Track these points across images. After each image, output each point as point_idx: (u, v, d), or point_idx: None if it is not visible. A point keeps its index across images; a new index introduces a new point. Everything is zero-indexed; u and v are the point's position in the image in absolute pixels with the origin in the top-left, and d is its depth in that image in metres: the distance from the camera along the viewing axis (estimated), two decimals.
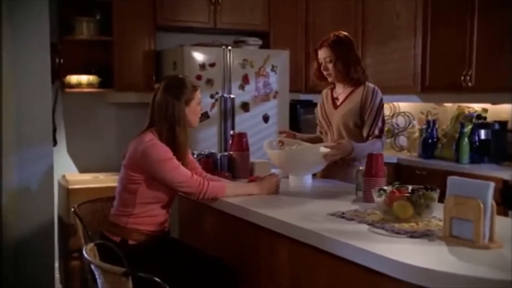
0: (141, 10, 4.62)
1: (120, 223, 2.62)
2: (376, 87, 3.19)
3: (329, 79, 3.25)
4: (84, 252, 2.10)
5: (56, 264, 4.32)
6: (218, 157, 3.19)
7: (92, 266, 2.07)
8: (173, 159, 2.59)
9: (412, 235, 1.94)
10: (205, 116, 4.39)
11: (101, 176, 4.48)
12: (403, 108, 5.40)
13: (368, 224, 2.11)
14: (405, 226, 2.05)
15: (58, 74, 4.36)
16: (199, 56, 4.44)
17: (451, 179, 1.91)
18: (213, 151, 3.32)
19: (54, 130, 4.39)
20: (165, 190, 2.64)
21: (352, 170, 2.90)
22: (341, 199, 2.64)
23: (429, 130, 4.72)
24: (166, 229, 2.77)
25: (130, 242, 2.60)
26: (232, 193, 2.69)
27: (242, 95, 4.60)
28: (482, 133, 4.39)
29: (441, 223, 1.98)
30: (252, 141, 3.46)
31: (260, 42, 4.98)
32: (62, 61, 4.41)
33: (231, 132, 3.53)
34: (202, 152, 3.24)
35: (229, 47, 4.57)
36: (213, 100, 4.48)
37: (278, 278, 2.37)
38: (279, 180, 2.81)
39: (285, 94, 4.81)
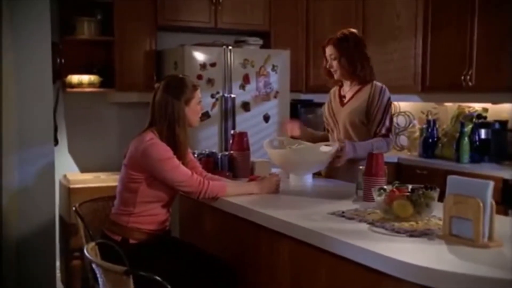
0: (142, 10, 4.62)
1: (121, 222, 2.63)
2: (384, 86, 3.18)
3: (335, 76, 3.25)
4: (85, 251, 2.10)
5: (57, 264, 4.33)
6: (219, 157, 3.20)
7: (93, 265, 2.08)
8: (173, 158, 2.60)
9: (412, 234, 1.94)
10: (205, 115, 4.39)
11: (102, 175, 4.49)
12: (404, 108, 5.40)
13: (368, 223, 2.11)
14: (405, 225, 2.05)
15: (59, 74, 4.37)
16: (200, 56, 4.44)
17: (450, 178, 1.91)
18: (213, 150, 3.33)
19: (55, 130, 4.40)
20: (166, 190, 2.65)
21: (357, 169, 2.90)
22: (341, 198, 2.64)
23: (429, 130, 4.72)
24: (167, 228, 2.78)
25: (131, 241, 2.60)
26: (233, 192, 2.70)
27: (242, 94, 4.60)
28: (482, 133, 4.40)
29: (441, 222, 1.98)
30: (253, 141, 3.47)
31: (260, 42, 4.98)
32: (63, 61, 4.41)
33: (232, 131, 3.54)
34: (203, 152, 3.25)
35: (230, 47, 4.57)
36: (213, 100, 4.49)
37: (278, 277, 2.37)
38: (279, 180, 2.81)
39: (286, 94, 4.81)
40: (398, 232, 1.97)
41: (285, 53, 4.81)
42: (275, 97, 4.74)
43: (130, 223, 2.62)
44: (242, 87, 4.60)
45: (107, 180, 4.25)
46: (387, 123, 3.13)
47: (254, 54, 4.68)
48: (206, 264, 2.64)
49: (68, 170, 4.69)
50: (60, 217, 4.40)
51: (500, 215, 2.03)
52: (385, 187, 2.25)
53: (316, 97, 5.35)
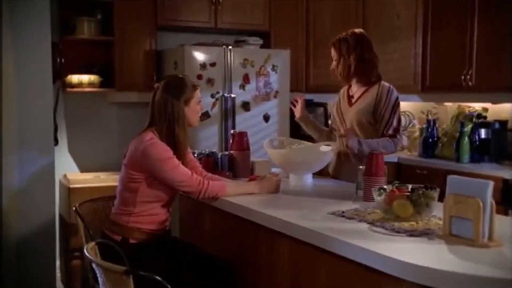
0: (142, 10, 4.62)
1: (121, 222, 2.63)
2: (391, 86, 3.18)
3: (339, 77, 3.25)
4: (85, 251, 2.11)
5: (57, 263, 4.33)
6: (219, 157, 3.20)
7: (93, 265, 2.08)
8: (173, 158, 2.60)
9: (412, 234, 1.94)
10: (205, 115, 4.39)
11: (102, 175, 4.49)
12: (404, 108, 5.39)
13: (368, 223, 2.12)
14: (405, 225, 2.05)
15: (59, 74, 4.37)
16: (199, 56, 4.44)
17: (450, 178, 1.91)
18: (213, 150, 3.33)
19: (55, 130, 4.40)
20: (166, 189, 2.65)
21: None
22: (341, 198, 2.64)
23: (429, 130, 4.72)
24: (167, 228, 2.78)
25: (131, 241, 2.60)
26: (233, 192, 2.70)
27: (242, 94, 4.60)
28: (483, 132, 4.40)
29: (440, 222, 1.99)
30: (253, 141, 3.47)
31: (260, 41, 4.98)
32: (63, 60, 4.41)
33: (232, 131, 3.53)
34: (203, 152, 3.25)
35: (230, 47, 4.57)
36: (213, 100, 4.49)
37: (278, 276, 2.37)
38: (279, 180, 2.81)
39: (286, 94, 4.81)
40: (398, 232, 1.97)
41: (285, 53, 4.81)
42: (275, 97, 4.74)
43: (130, 223, 2.62)
44: (242, 87, 4.60)
45: (107, 180, 4.25)
46: (395, 123, 3.12)
47: (254, 54, 4.68)
48: (206, 264, 2.64)
49: (68, 170, 4.69)
50: (60, 217, 4.40)
51: (500, 215, 2.03)
52: (385, 187, 2.25)
53: (316, 97, 5.36)
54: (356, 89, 3.25)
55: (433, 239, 1.88)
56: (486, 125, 4.43)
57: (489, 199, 1.80)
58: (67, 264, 4.17)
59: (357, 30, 3.25)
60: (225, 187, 2.70)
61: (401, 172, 4.65)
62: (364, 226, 2.09)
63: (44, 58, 3.89)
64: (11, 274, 3.78)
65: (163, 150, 2.59)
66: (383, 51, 5.08)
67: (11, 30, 3.72)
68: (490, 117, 4.51)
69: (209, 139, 4.45)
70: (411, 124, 5.22)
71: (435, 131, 4.71)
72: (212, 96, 4.48)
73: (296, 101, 3.44)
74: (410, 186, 2.21)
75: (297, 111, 3.42)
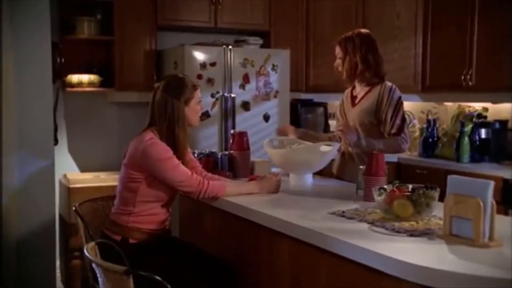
0: (142, 9, 4.62)
1: (121, 221, 2.63)
2: (394, 86, 3.17)
3: (343, 76, 3.25)
4: (85, 251, 2.11)
5: (57, 263, 4.32)
6: (219, 156, 3.20)
7: (93, 265, 2.08)
8: (173, 158, 2.60)
9: (412, 234, 1.94)
10: (205, 115, 4.39)
11: (102, 175, 4.48)
12: (404, 108, 5.39)
13: (368, 223, 2.11)
14: (405, 225, 2.05)
15: (59, 74, 4.37)
16: (199, 56, 4.44)
17: (451, 178, 1.91)
18: (213, 150, 3.33)
19: (55, 129, 4.39)
20: (165, 189, 2.64)
21: None
22: (341, 198, 2.64)
23: (429, 129, 4.72)
24: (166, 228, 2.78)
25: (131, 240, 2.60)
26: (232, 192, 2.70)
27: (242, 94, 4.60)
28: (483, 132, 4.40)
29: (441, 222, 1.98)
30: (253, 140, 3.47)
31: (260, 41, 4.98)
32: (63, 60, 4.41)
33: (232, 131, 3.53)
34: (203, 151, 3.25)
35: (230, 47, 4.57)
36: (213, 100, 4.49)
37: (278, 276, 2.37)
38: (279, 180, 2.81)
39: (286, 93, 4.81)
40: (398, 232, 1.97)
41: (285, 52, 4.81)
42: (275, 96, 4.74)
43: (130, 222, 2.62)
44: (242, 86, 4.60)
45: (107, 179, 4.25)
46: (398, 122, 3.10)
47: (254, 54, 4.68)
48: (206, 264, 2.64)
49: (68, 169, 4.69)
50: (60, 217, 4.40)
51: (500, 215, 2.03)
52: (385, 186, 2.25)
53: (316, 97, 5.36)
54: (359, 89, 3.25)
55: (433, 239, 1.88)
56: (486, 125, 4.42)
57: (490, 199, 1.80)
58: (67, 264, 4.17)
59: (363, 30, 3.26)
60: (225, 187, 2.70)
61: (401, 172, 4.65)
62: (364, 226, 2.09)
63: (44, 58, 3.89)
64: (11, 274, 3.78)
65: (163, 150, 2.59)
66: (383, 51, 5.03)
67: (11, 30, 3.72)
68: (490, 117, 4.50)
69: (209, 139, 4.45)
70: (411, 124, 5.21)
71: (435, 131, 4.71)
72: (212, 96, 4.48)
73: (283, 131, 3.40)
74: (410, 186, 2.21)
75: (292, 135, 3.36)
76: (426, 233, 1.94)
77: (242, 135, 3.24)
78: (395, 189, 2.19)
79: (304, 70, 5.25)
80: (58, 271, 4.39)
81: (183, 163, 2.65)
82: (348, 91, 3.36)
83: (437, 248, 1.81)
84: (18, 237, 3.81)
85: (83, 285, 4.03)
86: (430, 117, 4.91)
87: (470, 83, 4.51)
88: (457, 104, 4.82)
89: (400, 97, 3.15)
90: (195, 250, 2.75)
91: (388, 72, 5.02)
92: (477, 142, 4.36)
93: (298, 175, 3.07)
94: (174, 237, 2.99)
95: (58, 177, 4.40)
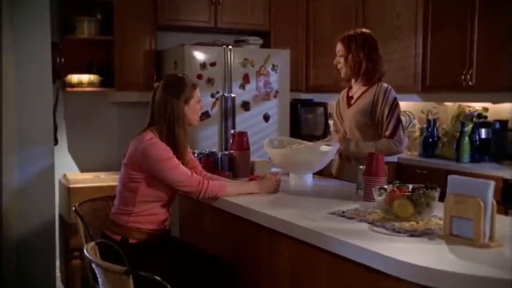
0: (142, 9, 4.62)
1: (121, 221, 2.63)
2: (389, 86, 3.16)
3: (342, 74, 3.24)
4: (85, 251, 2.10)
5: (57, 263, 4.32)
6: (219, 156, 3.20)
7: (93, 265, 2.07)
8: (173, 158, 2.59)
9: (413, 234, 1.94)
10: (205, 115, 4.39)
11: (102, 175, 4.48)
12: (404, 108, 5.38)
13: (369, 223, 2.11)
14: (406, 225, 2.05)
15: (59, 74, 4.36)
16: (199, 56, 4.44)
17: (451, 178, 1.91)
18: (213, 150, 3.33)
19: (55, 129, 4.39)
20: (165, 189, 2.64)
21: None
22: (341, 198, 2.64)
23: (429, 129, 4.72)
24: (166, 228, 2.77)
25: (131, 240, 2.60)
26: (232, 192, 2.70)
27: (242, 94, 4.60)
28: (483, 132, 4.40)
29: (441, 222, 1.98)
30: (253, 140, 3.47)
31: (260, 41, 4.98)
32: (63, 60, 4.41)
33: (232, 131, 3.53)
34: (203, 151, 3.25)
35: (230, 47, 4.57)
36: (213, 99, 4.48)
37: (278, 276, 2.37)
38: (279, 179, 2.81)
39: (286, 93, 4.81)
40: (398, 232, 1.97)
41: (285, 52, 4.81)
42: (275, 96, 4.74)
43: (130, 222, 2.62)
44: (242, 86, 4.60)
45: (107, 179, 4.25)
46: (392, 123, 3.09)
47: (254, 54, 4.68)
48: (206, 264, 2.64)
49: (67, 169, 4.69)
50: (60, 217, 4.40)
51: (500, 215, 2.03)
52: (385, 186, 2.25)
53: (316, 97, 5.35)
54: (355, 90, 3.25)
55: (433, 239, 1.88)
56: (487, 125, 4.42)
57: (490, 199, 1.80)
58: (67, 264, 4.17)
59: (365, 30, 3.27)
60: (225, 187, 2.70)
61: (401, 172, 4.65)
62: (364, 226, 2.09)
63: (44, 58, 3.89)
64: (11, 274, 3.78)
65: (163, 150, 2.58)
66: (383, 51, 5.03)
67: (11, 30, 3.72)
68: (490, 117, 4.50)
69: (209, 139, 4.45)
70: (411, 124, 5.22)
71: (435, 131, 4.71)
72: (212, 96, 4.48)
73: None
74: (410, 186, 2.21)
75: None
76: (426, 233, 1.94)
77: (242, 135, 3.23)
78: (395, 189, 2.19)
79: (304, 70, 5.25)
80: (58, 271, 4.39)
81: (183, 163, 2.65)
82: (344, 91, 3.36)
83: (437, 248, 1.81)
84: (18, 237, 3.81)
85: (83, 285, 4.03)
86: (430, 117, 4.91)
87: (470, 83, 4.51)
88: (457, 104, 4.81)
89: (395, 98, 3.14)
90: (195, 250, 2.75)
91: (388, 72, 5.01)
92: (477, 142, 4.36)
93: (298, 175, 3.07)
94: (174, 237, 2.98)
95: (58, 177, 4.40)
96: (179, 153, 2.66)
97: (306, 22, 5.23)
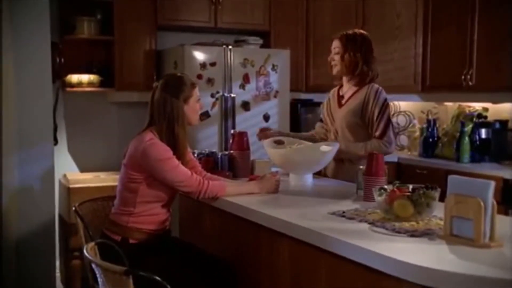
0: (142, 9, 4.62)
1: (121, 222, 2.63)
2: (380, 88, 3.17)
3: (334, 71, 3.24)
4: (85, 251, 2.10)
5: (57, 263, 4.32)
6: (219, 156, 3.20)
7: (93, 265, 2.07)
8: (172, 158, 2.59)
9: (413, 234, 1.94)
10: (205, 115, 4.39)
11: (102, 175, 4.48)
12: (404, 108, 5.40)
13: (369, 223, 2.11)
14: (406, 225, 2.05)
15: (59, 74, 4.36)
16: (199, 56, 4.44)
17: (451, 178, 1.91)
18: (213, 150, 3.33)
19: (55, 129, 4.39)
20: (165, 189, 2.64)
21: (356, 169, 2.90)
22: (341, 198, 2.64)
23: (429, 129, 4.72)
24: (166, 228, 2.77)
25: (131, 241, 2.60)
26: (232, 192, 2.70)
27: (242, 94, 4.60)
28: (483, 132, 4.40)
29: (441, 222, 1.98)
30: (253, 140, 3.46)
31: (260, 41, 4.98)
32: (63, 60, 4.41)
33: (232, 131, 3.53)
34: (203, 151, 3.25)
35: (230, 47, 4.57)
36: (213, 99, 4.48)
37: (278, 277, 2.37)
38: (279, 179, 2.81)
39: (286, 93, 4.81)
40: (398, 232, 1.97)
41: (285, 52, 4.80)
42: (275, 96, 4.74)
43: (130, 223, 2.62)
44: (242, 86, 4.60)
45: (107, 179, 4.25)
46: (382, 124, 3.09)
47: (254, 54, 4.68)
48: (206, 264, 2.64)
49: (67, 169, 4.68)
50: (60, 217, 4.39)
51: (500, 215, 2.02)
52: (385, 187, 2.25)
53: (316, 97, 5.35)
54: (347, 89, 3.26)
55: (433, 239, 1.88)
56: (487, 125, 4.42)
57: (490, 199, 1.79)
58: (67, 264, 4.17)
59: (362, 31, 3.29)
60: (225, 187, 2.70)
61: (401, 172, 4.65)
62: (364, 226, 2.09)
63: (44, 58, 3.89)
64: (11, 274, 3.78)
65: (162, 150, 2.58)
66: (383, 51, 5.09)
67: (11, 30, 3.72)
68: (490, 117, 4.50)
69: (209, 139, 4.45)
70: (411, 124, 5.22)
71: (435, 131, 4.71)
72: (212, 96, 4.47)
73: (264, 134, 3.34)
74: (410, 186, 2.21)
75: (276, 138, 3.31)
76: (427, 233, 1.94)
77: (242, 135, 3.23)
78: (395, 189, 2.19)
79: (304, 70, 5.25)
80: (58, 271, 4.39)
81: (183, 163, 2.65)
82: (334, 90, 3.37)
83: (437, 248, 1.81)
84: (18, 237, 3.81)
85: (83, 285, 4.03)
86: (430, 117, 4.92)
87: (470, 83, 4.51)
88: (457, 104, 4.81)
89: (386, 99, 3.13)
90: (195, 250, 2.75)
91: (388, 72, 5.07)
92: (477, 142, 4.36)
93: (298, 175, 3.07)
94: (174, 237, 2.98)
95: (58, 177, 4.40)
96: (179, 153, 2.66)
97: (306, 22, 5.23)
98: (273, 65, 4.71)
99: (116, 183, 2.75)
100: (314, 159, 3.01)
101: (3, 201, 3.76)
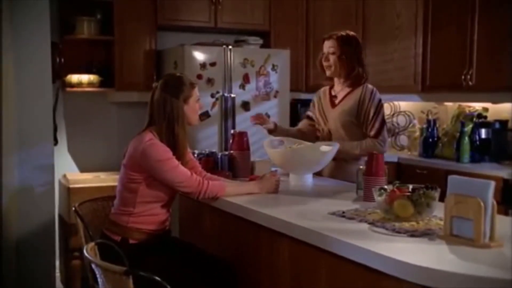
0: (142, 9, 4.62)
1: (121, 222, 2.63)
2: (374, 88, 3.21)
3: (328, 72, 3.24)
4: (85, 251, 2.10)
5: (57, 263, 4.32)
6: (219, 156, 3.20)
7: (93, 265, 2.07)
8: (172, 158, 2.59)
9: (413, 234, 1.94)
10: (205, 115, 4.38)
11: (102, 175, 4.48)
12: (404, 108, 5.40)
13: (369, 223, 2.11)
14: (406, 225, 2.05)
15: (59, 74, 4.36)
16: (199, 56, 4.44)
17: (451, 178, 1.91)
18: (213, 150, 3.33)
19: (55, 129, 4.39)
20: (165, 190, 2.64)
21: (354, 168, 2.91)
22: (341, 198, 2.64)
23: (429, 129, 4.72)
24: (166, 228, 2.77)
25: (131, 241, 2.60)
26: (232, 192, 2.70)
27: (242, 94, 4.60)
28: (483, 132, 4.40)
29: (441, 222, 1.98)
30: (253, 140, 3.46)
31: (260, 41, 4.98)
32: (63, 60, 4.41)
33: (232, 131, 3.53)
34: (203, 151, 3.24)
35: (230, 47, 4.57)
36: (213, 100, 4.48)
37: (278, 277, 2.37)
38: (278, 179, 2.81)
39: (286, 93, 4.81)
40: (398, 232, 1.97)
41: (285, 52, 4.80)
42: (275, 96, 4.74)
43: (130, 223, 2.62)
44: (242, 86, 4.60)
45: (106, 180, 4.25)
46: (377, 124, 3.14)
47: (254, 54, 4.68)
48: (206, 264, 2.64)
49: (67, 169, 4.68)
50: (60, 217, 4.40)
51: (500, 215, 2.02)
52: (385, 187, 2.25)
53: None
54: (339, 90, 3.27)
55: (433, 239, 1.88)
56: (487, 125, 4.42)
57: (490, 199, 1.79)
58: (66, 264, 4.17)
59: (352, 32, 3.28)
60: (224, 187, 2.70)
61: (401, 172, 4.65)
62: (364, 226, 2.09)
63: (44, 58, 3.89)
64: (11, 274, 3.78)
65: (162, 150, 2.58)
66: (383, 51, 5.10)
67: (11, 30, 3.72)
68: (490, 117, 4.50)
69: (209, 139, 4.45)
70: (411, 124, 5.22)
71: (435, 131, 4.71)
72: (212, 96, 4.47)
73: (259, 119, 3.34)
74: (410, 186, 2.21)
75: (269, 125, 3.33)
76: (427, 234, 1.94)
77: (242, 135, 3.23)
78: (395, 189, 2.19)
79: (304, 70, 5.24)
80: (58, 271, 4.39)
81: (182, 163, 2.65)
82: (325, 90, 3.38)
83: (437, 248, 1.81)
84: (18, 237, 3.81)
85: (83, 285, 4.03)
86: (430, 117, 4.92)
87: (470, 83, 4.51)
88: (457, 104, 4.81)
89: (380, 100, 3.19)
90: (195, 250, 2.75)
91: (388, 72, 5.08)
92: (477, 142, 4.36)
93: (298, 175, 3.07)
94: (174, 237, 2.98)
95: (57, 177, 4.40)
96: (179, 153, 2.66)
97: (306, 22, 5.23)
98: (273, 65, 4.70)
99: (116, 183, 2.75)
100: (314, 159, 3.01)
101: (3, 201, 3.76)
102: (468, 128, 4.36)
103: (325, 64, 3.23)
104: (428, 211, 2.12)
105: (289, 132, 3.40)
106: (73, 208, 2.72)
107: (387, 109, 5.37)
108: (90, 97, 4.76)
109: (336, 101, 3.26)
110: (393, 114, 5.39)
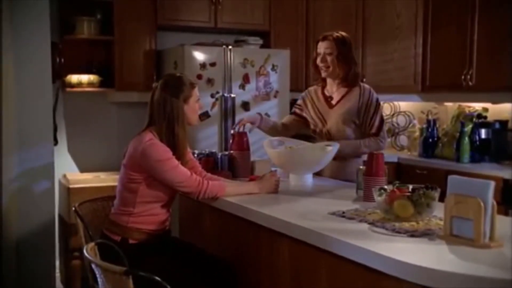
0: (142, 9, 4.62)
1: (121, 222, 2.63)
2: (371, 88, 3.27)
3: (324, 73, 3.24)
4: (84, 251, 2.10)
5: (57, 263, 4.32)
6: (219, 157, 3.20)
7: (93, 265, 2.07)
8: (172, 158, 2.59)
9: (413, 234, 1.94)
10: (205, 115, 4.37)
11: (102, 175, 4.48)
12: (404, 108, 5.40)
13: (369, 223, 2.11)
14: (406, 225, 2.05)
15: (59, 74, 4.36)
16: (199, 56, 4.43)
17: (451, 178, 1.91)
18: (213, 150, 3.33)
19: (55, 130, 4.39)
20: (165, 190, 2.64)
21: (354, 168, 2.91)
22: (341, 198, 2.64)
23: (429, 130, 4.72)
24: (166, 228, 2.77)
25: (131, 241, 2.60)
26: (232, 192, 2.70)
27: (242, 94, 4.60)
28: (483, 132, 4.40)
29: (441, 222, 1.98)
30: (253, 140, 3.46)
31: (260, 41, 4.98)
32: (63, 60, 4.41)
33: (232, 131, 3.53)
34: (203, 152, 3.24)
35: (230, 47, 4.57)
36: (213, 100, 4.48)
37: (278, 277, 2.37)
38: (278, 179, 2.81)
39: (286, 94, 4.80)
40: (398, 232, 1.97)
41: (285, 52, 4.80)
42: (275, 96, 4.73)
43: (130, 223, 2.62)
44: (242, 86, 4.60)
45: (106, 180, 4.25)
46: (377, 122, 3.20)
47: (254, 54, 4.68)
48: (206, 264, 2.64)
49: (67, 169, 4.68)
50: (60, 217, 4.40)
51: (500, 215, 2.02)
52: (385, 187, 2.25)
53: None
54: (334, 90, 3.28)
55: (433, 239, 1.88)
56: (487, 125, 4.42)
57: (490, 199, 1.79)
58: (66, 264, 4.17)
59: (344, 33, 3.27)
60: (224, 187, 2.70)
61: (401, 172, 4.65)
62: (364, 226, 2.09)
63: (44, 58, 3.89)
64: (11, 274, 3.78)
65: (162, 150, 2.58)
66: (383, 51, 5.11)
67: (11, 30, 3.72)
68: (490, 117, 4.50)
69: (209, 139, 4.44)
70: (411, 124, 5.22)
71: (435, 131, 4.71)
72: (212, 96, 4.47)
73: (238, 124, 3.33)
74: (410, 186, 2.21)
75: (250, 119, 3.36)
76: (427, 234, 1.94)
77: (242, 135, 3.23)
78: (395, 189, 2.19)
79: (304, 70, 5.24)
80: (58, 271, 4.39)
81: (182, 163, 2.65)
82: (316, 90, 3.38)
83: (437, 248, 1.81)
84: (18, 237, 3.81)
85: (83, 285, 4.03)
86: (430, 117, 4.92)
87: (470, 83, 4.51)
88: (457, 104, 4.82)
89: (378, 98, 3.24)
90: (195, 250, 2.75)
91: (388, 72, 5.08)
92: (477, 142, 4.36)
93: (298, 175, 3.07)
94: (174, 237, 2.98)
95: (57, 177, 4.40)
96: (179, 153, 2.66)
97: (306, 22, 5.23)
98: (273, 65, 4.70)
99: (116, 183, 2.75)
100: (314, 159, 3.01)
101: (3, 201, 3.76)
102: (468, 128, 4.36)
103: (322, 65, 3.23)
104: (428, 211, 2.12)
105: (274, 125, 3.46)
106: (73, 208, 2.72)
107: (387, 109, 5.38)
108: (90, 97, 4.76)
109: (333, 102, 3.27)
110: (393, 114, 5.39)
